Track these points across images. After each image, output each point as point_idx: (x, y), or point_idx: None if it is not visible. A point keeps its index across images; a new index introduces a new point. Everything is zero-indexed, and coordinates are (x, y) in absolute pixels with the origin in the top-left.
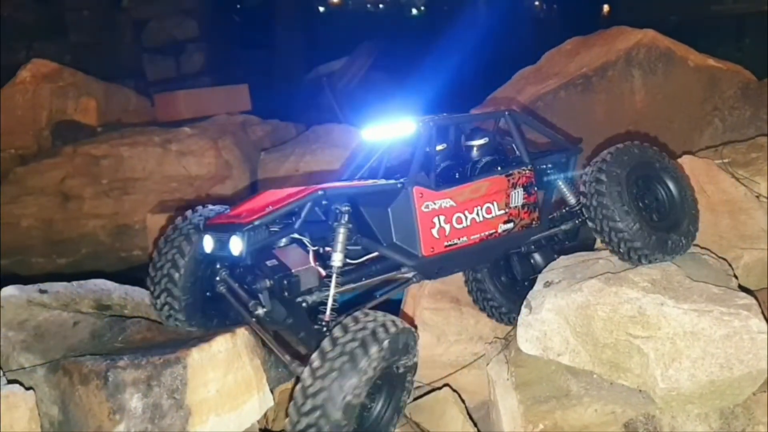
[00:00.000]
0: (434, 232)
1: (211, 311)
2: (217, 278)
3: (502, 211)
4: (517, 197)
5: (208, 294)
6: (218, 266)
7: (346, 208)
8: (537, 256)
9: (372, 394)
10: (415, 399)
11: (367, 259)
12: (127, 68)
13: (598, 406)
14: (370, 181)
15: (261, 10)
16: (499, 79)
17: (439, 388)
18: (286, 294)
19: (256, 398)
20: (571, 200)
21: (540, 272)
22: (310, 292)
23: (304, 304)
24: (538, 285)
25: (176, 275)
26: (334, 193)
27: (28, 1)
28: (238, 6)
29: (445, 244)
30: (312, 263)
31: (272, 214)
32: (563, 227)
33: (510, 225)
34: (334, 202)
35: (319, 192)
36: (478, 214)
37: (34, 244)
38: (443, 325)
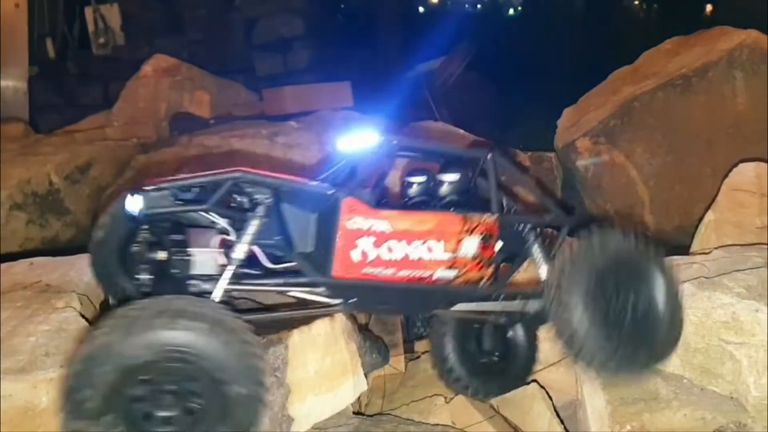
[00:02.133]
0: (354, 253)
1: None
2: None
3: (447, 255)
4: (471, 246)
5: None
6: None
7: (269, 200)
8: (519, 331)
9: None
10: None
11: (285, 268)
12: (237, 64)
13: (687, 411)
14: (300, 178)
15: (363, 10)
16: (595, 79)
17: (527, 384)
18: (177, 271)
19: (351, 382)
20: (545, 273)
21: (519, 350)
22: (207, 278)
23: (193, 288)
24: None
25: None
26: (254, 178)
27: (151, 0)
28: (342, 6)
29: (363, 270)
30: (213, 248)
31: (181, 182)
32: (530, 305)
33: (450, 273)
34: (255, 188)
35: (238, 174)
36: (415, 249)
37: None
38: None
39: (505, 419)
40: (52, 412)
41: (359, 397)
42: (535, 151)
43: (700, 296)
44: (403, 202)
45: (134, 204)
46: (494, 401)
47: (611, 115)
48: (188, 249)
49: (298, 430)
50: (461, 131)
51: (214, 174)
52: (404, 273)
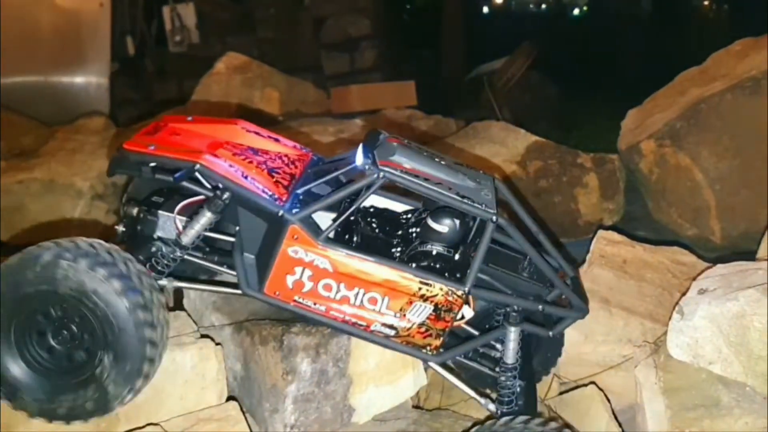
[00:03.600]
0: (289, 280)
1: None
2: None
3: (390, 312)
4: (420, 312)
5: None
6: None
7: (226, 196)
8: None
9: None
10: (561, 393)
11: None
12: (306, 63)
13: (749, 419)
14: (261, 186)
15: (428, 10)
16: (661, 80)
17: (585, 386)
18: (139, 229)
19: (411, 375)
20: (509, 359)
21: None
22: (165, 242)
23: (153, 249)
24: (692, 292)
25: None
26: (211, 175)
27: (224, 0)
28: (408, 6)
29: (296, 298)
30: (174, 214)
31: (150, 156)
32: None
33: (389, 331)
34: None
35: (197, 165)
36: (356, 297)
37: None
38: (591, 324)
39: (562, 419)
40: None
41: (418, 392)
42: (598, 153)
43: (765, 302)
44: (407, 246)
45: (113, 162)
46: (551, 401)
47: (677, 117)
48: (156, 211)
49: (358, 420)
50: (522, 131)
51: (179, 158)
52: (337, 314)
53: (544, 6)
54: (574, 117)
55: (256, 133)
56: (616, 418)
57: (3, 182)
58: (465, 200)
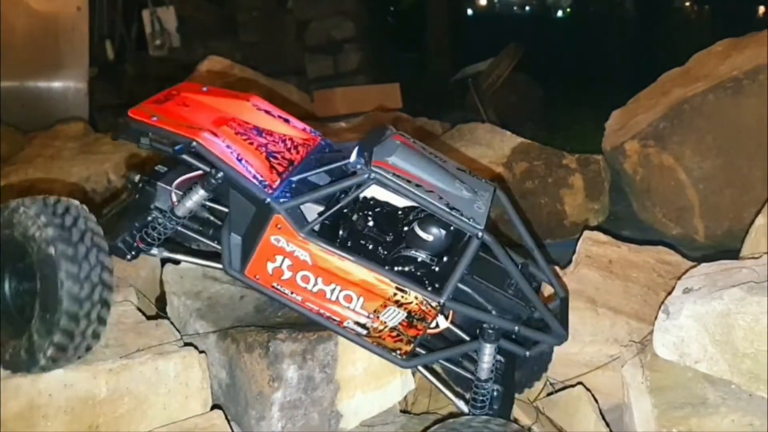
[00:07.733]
0: (270, 266)
1: None
2: None
3: (364, 312)
4: (393, 317)
5: None
6: None
7: (219, 176)
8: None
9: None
10: (549, 394)
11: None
12: (289, 66)
13: (735, 417)
14: (254, 170)
15: (413, 12)
16: (645, 81)
17: (573, 386)
18: (138, 197)
19: (399, 380)
20: (482, 375)
21: None
22: (160, 211)
23: (149, 218)
24: (677, 291)
25: None
26: (204, 153)
27: (205, 3)
28: (392, 8)
29: (274, 284)
30: (171, 187)
31: (152, 127)
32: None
33: (362, 330)
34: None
35: (194, 143)
36: (332, 292)
37: None
38: (578, 324)
39: (551, 420)
40: (112, 402)
41: (406, 396)
42: (583, 154)
43: (750, 301)
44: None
45: (116, 127)
46: (539, 403)
47: (661, 117)
48: (155, 182)
49: (345, 426)
50: (507, 132)
51: (178, 133)
52: (313, 306)
53: (528, 8)
54: (559, 118)
55: (267, 112)
56: (603, 418)
57: None
58: (453, 212)
